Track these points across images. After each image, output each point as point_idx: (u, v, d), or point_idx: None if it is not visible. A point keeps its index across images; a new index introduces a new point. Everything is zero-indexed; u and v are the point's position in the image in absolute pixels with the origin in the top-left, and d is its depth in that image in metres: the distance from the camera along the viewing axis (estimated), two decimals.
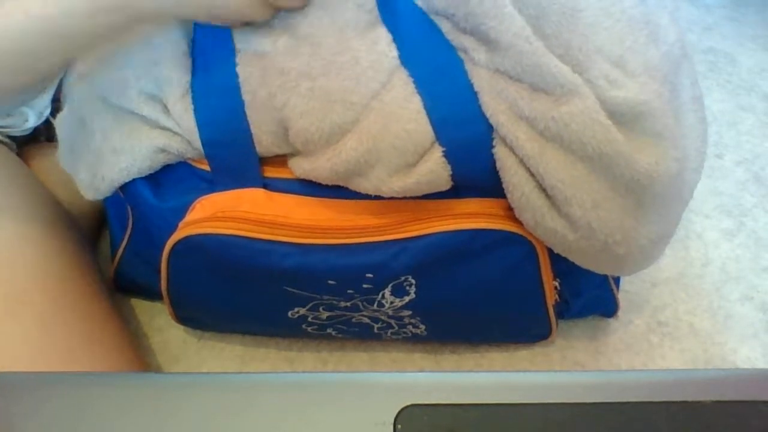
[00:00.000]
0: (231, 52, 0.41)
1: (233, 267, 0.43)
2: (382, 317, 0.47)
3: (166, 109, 0.42)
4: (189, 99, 0.42)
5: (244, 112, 0.41)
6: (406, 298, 0.45)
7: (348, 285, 0.44)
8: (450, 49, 0.41)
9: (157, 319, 0.55)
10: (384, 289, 0.44)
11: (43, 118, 0.56)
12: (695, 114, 0.41)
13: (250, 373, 0.49)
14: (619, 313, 0.54)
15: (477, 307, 0.48)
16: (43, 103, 0.55)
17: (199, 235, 0.42)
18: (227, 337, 0.54)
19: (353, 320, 0.48)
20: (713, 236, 0.61)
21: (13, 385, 0.25)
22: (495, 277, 0.45)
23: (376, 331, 0.50)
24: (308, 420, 0.24)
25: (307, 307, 0.46)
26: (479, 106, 0.39)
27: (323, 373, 0.51)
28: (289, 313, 0.47)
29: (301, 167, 0.42)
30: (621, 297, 0.52)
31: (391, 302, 0.45)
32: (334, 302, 0.45)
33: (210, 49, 0.42)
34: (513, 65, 0.38)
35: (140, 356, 0.50)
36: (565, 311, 0.52)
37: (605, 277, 0.50)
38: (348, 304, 0.45)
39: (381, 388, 0.24)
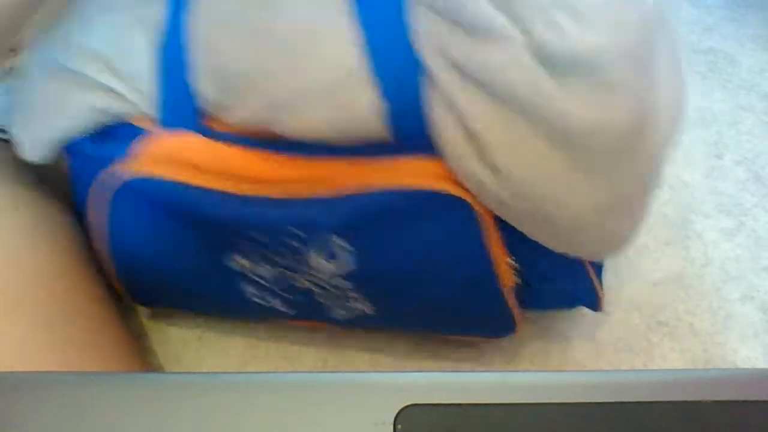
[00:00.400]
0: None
1: (175, 216, 0.43)
2: (326, 286, 0.45)
3: (111, 67, 0.42)
4: (148, 56, 0.41)
5: (184, 57, 0.40)
6: (341, 265, 0.42)
7: (279, 241, 0.42)
8: None
9: (157, 319, 0.55)
10: (313, 248, 0.42)
11: None
12: (669, 69, 0.39)
13: (250, 373, 0.49)
14: (619, 313, 0.54)
15: (423, 286, 0.44)
16: None
17: (144, 178, 0.41)
18: (227, 337, 0.54)
19: (297, 285, 0.45)
20: (713, 236, 0.61)
21: (13, 384, 0.25)
22: (436, 248, 0.41)
23: (323, 302, 0.47)
24: (308, 420, 0.24)
25: (248, 257, 0.44)
26: (414, 44, 0.37)
27: (323, 372, 0.51)
28: (230, 263, 0.45)
29: (234, 115, 0.41)
30: (620, 297, 0.52)
31: (323, 265, 0.42)
32: (273, 257, 0.43)
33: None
34: (443, 2, 0.36)
35: (140, 356, 0.50)
36: (532, 299, 0.47)
37: (580, 264, 0.46)
38: (285, 262, 0.43)
39: (381, 388, 0.24)
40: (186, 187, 0.41)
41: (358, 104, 0.38)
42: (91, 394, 0.25)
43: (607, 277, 0.49)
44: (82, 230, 0.52)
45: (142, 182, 0.41)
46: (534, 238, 0.41)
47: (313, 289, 0.45)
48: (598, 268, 0.48)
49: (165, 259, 0.46)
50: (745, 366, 0.53)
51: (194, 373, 0.53)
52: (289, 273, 0.44)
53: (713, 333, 0.55)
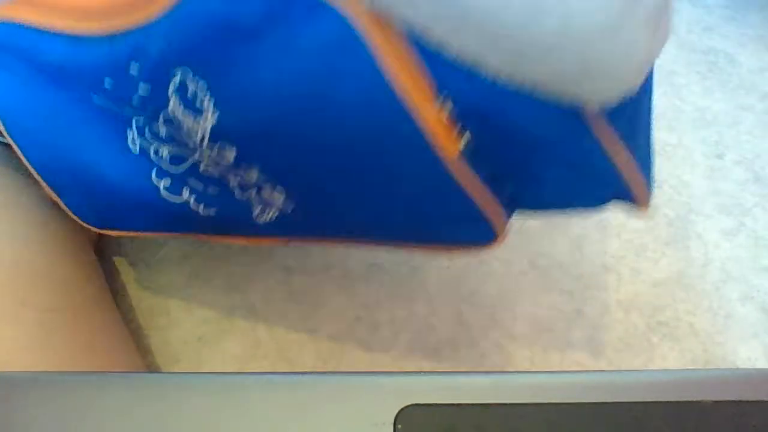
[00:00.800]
0: None
1: (50, 76, 0.36)
2: (216, 162, 0.35)
3: None
4: None
5: None
6: (205, 119, 0.31)
7: (123, 87, 0.34)
8: None
9: (157, 319, 0.55)
10: (163, 94, 0.32)
11: None
12: None
13: (250, 373, 0.49)
14: (619, 313, 0.54)
15: (320, 147, 0.30)
16: None
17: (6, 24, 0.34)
18: (227, 337, 0.54)
19: (200, 170, 0.36)
20: (713, 236, 0.61)
21: (13, 384, 0.25)
22: (313, 82, 0.27)
23: (239, 197, 0.36)
24: (308, 420, 0.24)
25: (132, 127, 0.36)
26: None
27: (323, 373, 0.52)
28: (128, 143, 0.37)
29: None
30: (620, 297, 0.52)
31: (188, 122, 0.32)
32: (150, 123, 0.35)
33: None
34: None
35: (140, 356, 0.50)
36: (528, 193, 0.30)
37: (582, 124, 0.25)
38: (165, 130, 0.34)
39: (381, 388, 0.24)
40: (38, 31, 0.34)
41: None
42: (91, 394, 0.25)
43: (608, 277, 0.49)
44: (82, 230, 0.52)
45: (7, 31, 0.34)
46: (476, 63, 0.24)
47: (216, 174, 0.36)
48: (638, 149, 0.29)
49: (64, 139, 0.39)
50: (745, 366, 0.53)
51: (194, 373, 0.53)
52: (178, 148, 0.35)
53: (713, 333, 0.55)
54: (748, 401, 0.24)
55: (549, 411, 0.24)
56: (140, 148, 0.38)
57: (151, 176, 0.40)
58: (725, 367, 0.53)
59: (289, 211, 0.36)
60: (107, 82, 0.35)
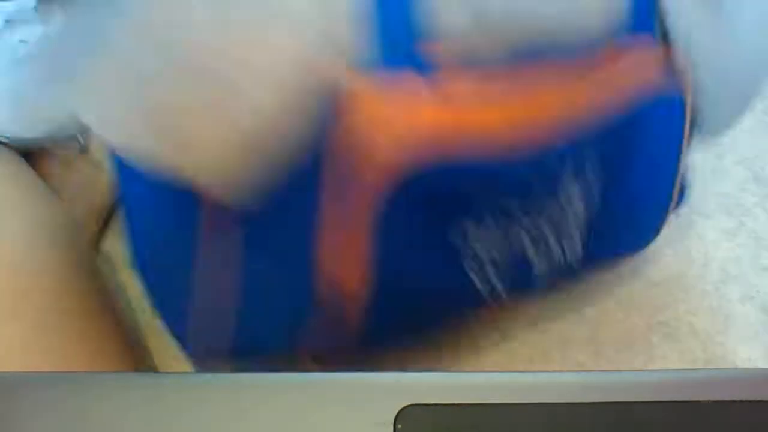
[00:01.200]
0: None
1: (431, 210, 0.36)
2: (546, 230, 0.39)
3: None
4: None
5: None
6: (584, 192, 0.38)
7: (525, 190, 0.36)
8: None
9: (156, 319, 0.55)
10: (562, 183, 0.37)
11: None
12: None
13: (250, 374, 0.49)
14: (619, 313, 0.54)
15: (629, 186, 0.40)
16: None
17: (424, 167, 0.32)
18: None
19: (514, 247, 0.38)
20: (713, 236, 0.61)
21: (13, 384, 0.25)
22: (655, 147, 0.38)
23: (533, 268, 0.40)
24: (308, 420, 0.24)
25: (478, 222, 0.36)
26: None
27: (323, 373, 0.52)
28: (454, 237, 0.37)
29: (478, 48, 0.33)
30: (620, 297, 0.52)
31: (574, 199, 0.37)
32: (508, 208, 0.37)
33: None
34: None
35: (140, 356, 0.50)
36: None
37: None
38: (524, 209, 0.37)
39: (381, 388, 0.24)
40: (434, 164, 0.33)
41: None
42: (91, 394, 0.25)
43: (608, 277, 0.49)
44: (82, 230, 0.52)
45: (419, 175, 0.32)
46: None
47: (528, 244, 0.39)
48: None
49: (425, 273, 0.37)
50: (745, 366, 0.53)
51: (194, 373, 0.53)
52: (510, 229, 0.38)
53: (713, 333, 0.55)
54: (748, 401, 0.24)
55: (549, 411, 0.24)
56: (465, 239, 0.37)
57: (460, 263, 0.38)
58: (725, 367, 0.53)
59: (567, 257, 0.41)
60: (506, 193, 0.36)
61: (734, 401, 0.24)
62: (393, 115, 0.31)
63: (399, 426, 0.23)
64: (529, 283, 0.42)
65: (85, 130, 0.59)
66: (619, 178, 0.38)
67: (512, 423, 0.23)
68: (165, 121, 0.30)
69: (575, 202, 0.37)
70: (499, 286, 0.40)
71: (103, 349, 0.45)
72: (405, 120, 0.32)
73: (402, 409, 0.23)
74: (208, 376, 0.27)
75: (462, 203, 0.35)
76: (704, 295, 0.57)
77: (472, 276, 0.39)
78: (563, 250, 0.40)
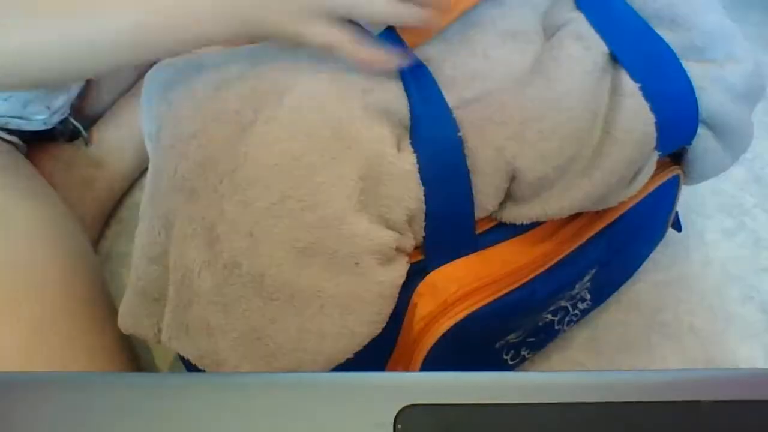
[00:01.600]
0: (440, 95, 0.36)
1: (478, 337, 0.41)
2: (567, 306, 0.46)
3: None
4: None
5: (466, 173, 0.36)
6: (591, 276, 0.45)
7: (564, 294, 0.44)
8: (661, 40, 0.39)
9: None
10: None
11: (60, 117, 0.56)
12: None
13: (250, 374, 0.49)
14: (619, 313, 0.54)
15: (631, 252, 0.48)
16: (58, 102, 0.55)
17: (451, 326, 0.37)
18: None
19: (539, 323, 0.45)
20: (713, 236, 0.61)
21: (13, 384, 0.25)
22: (656, 218, 0.46)
23: (555, 327, 0.47)
24: (308, 420, 0.24)
25: (520, 328, 0.43)
26: (697, 105, 0.39)
27: (323, 373, 0.52)
28: (497, 344, 0.44)
29: (531, 211, 0.39)
30: (621, 297, 0.52)
31: (584, 287, 0.45)
32: (540, 312, 0.44)
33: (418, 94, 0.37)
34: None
35: (140, 356, 0.50)
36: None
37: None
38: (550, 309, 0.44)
39: (381, 388, 0.24)
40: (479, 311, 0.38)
41: (644, 171, 0.41)
42: (91, 394, 0.25)
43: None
44: (82, 230, 0.52)
45: (455, 329, 0.37)
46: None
47: (550, 317, 0.45)
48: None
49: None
50: (745, 366, 0.53)
51: (194, 373, 0.53)
52: (540, 317, 0.44)
53: (713, 333, 0.55)
54: (748, 401, 0.24)
55: (549, 411, 0.24)
56: (508, 343, 0.44)
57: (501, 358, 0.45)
58: (725, 367, 0.53)
59: (579, 310, 0.48)
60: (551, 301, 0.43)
61: (734, 401, 0.24)
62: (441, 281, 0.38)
63: (399, 426, 0.23)
64: (550, 338, 0.49)
65: (86, 122, 0.59)
66: (624, 249, 0.45)
67: (512, 423, 0.23)
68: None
69: (586, 280, 0.44)
70: (526, 354, 0.47)
71: (103, 348, 0.45)
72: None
73: (402, 409, 0.23)
74: (208, 377, 0.27)
75: (498, 330, 0.41)
76: (704, 295, 0.57)
77: (505, 357, 0.45)
78: (577, 308, 0.47)
